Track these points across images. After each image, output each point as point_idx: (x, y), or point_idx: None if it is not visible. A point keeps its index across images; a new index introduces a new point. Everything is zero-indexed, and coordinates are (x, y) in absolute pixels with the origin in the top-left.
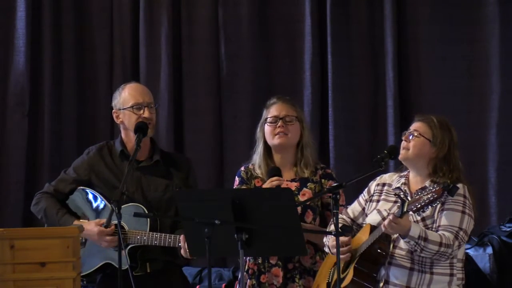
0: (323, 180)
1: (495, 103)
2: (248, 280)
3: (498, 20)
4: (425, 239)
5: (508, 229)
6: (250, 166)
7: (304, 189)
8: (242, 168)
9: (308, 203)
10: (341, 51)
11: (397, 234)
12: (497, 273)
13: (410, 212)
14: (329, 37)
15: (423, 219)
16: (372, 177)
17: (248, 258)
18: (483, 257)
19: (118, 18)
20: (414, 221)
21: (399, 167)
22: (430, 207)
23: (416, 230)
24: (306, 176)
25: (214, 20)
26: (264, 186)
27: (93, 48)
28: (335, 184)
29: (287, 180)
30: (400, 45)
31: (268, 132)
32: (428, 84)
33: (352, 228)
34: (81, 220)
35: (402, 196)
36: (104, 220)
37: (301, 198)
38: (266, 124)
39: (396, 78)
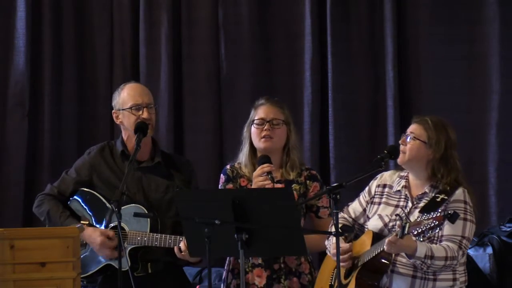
0: (308, 182)
1: (495, 103)
2: (233, 280)
3: (498, 20)
4: (432, 257)
5: (508, 229)
6: (236, 164)
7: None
8: (228, 167)
9: (308, 202)
10: (341, 51)
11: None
12: (497, 273)
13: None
14: (329, 37)
15: (428, 236)
16: (372, 177)
17: (231, 257)
18: (483, 257)
19: (118, 18)
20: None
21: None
22: (430, 232)
23: (422, 250)
24: (291, 178)
25: (214, 20)
26: (255, 173)
27: (93, 48)
28: (335, 184)
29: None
30: (400, 45)
31: (254, 134)
32: (428, 84)
33: (352, 228)
34: (82, 222)
35: (403, 216)
36: (109, 232)
37: None
38: (252, 126)
39: (396, 78)
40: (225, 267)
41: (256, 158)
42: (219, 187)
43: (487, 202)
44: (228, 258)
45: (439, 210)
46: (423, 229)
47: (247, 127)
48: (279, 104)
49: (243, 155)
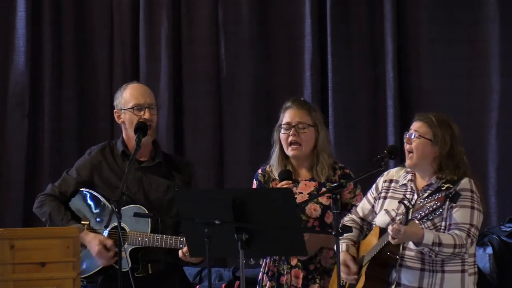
0: (341, 180)
1: (495, 103)
2: (268, 282)
3: (498, 20)
4: (439, 244)
5: (508, 229)
6: (268, 168)
7: (323, 188)
8: (260, 171)
9: (308, 203)
10: (341, 51)
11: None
12: (497, 273)
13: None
14: (329, 37)
15: (431, 218)
16: (373, 177)
17: (267, 259)
18: (483, 257)
19: (118, 18)
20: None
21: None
22: (433, 215)
23: (429, 237)
24: (323, 181)
25: (214, 20)
26: None
27: (93, 48)
28: (335, 184)
29: (305, 180)
30: (400, 45)
31: (282, 140)
32: (428, 84)
33: (351, 228)
34: (83, 222)
35: (406, 202)
36: (108, 241)
37: (321, 199)
38: (280, 131)
39: (396, 78)
40: (261, 269)
41: (288, 160)
42: None
43: (487, 202)
44: (264, 260)
45: (440, 193)
46: (426, 212)
47: (276, 131)
48: (306, 105)
49: (274, 159)
